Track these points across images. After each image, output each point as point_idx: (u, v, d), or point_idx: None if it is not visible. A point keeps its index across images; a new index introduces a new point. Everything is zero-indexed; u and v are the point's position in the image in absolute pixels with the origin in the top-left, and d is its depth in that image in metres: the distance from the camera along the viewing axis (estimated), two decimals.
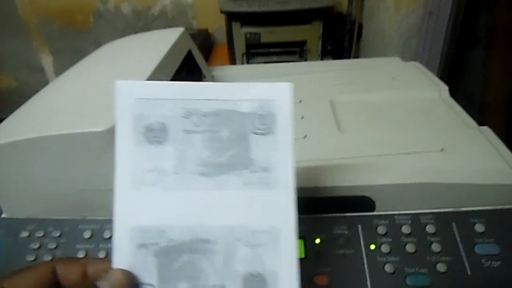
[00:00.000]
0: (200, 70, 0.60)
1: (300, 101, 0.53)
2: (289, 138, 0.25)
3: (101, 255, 0.36)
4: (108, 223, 0.38)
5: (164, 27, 0.59)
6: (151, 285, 0.23)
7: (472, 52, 1.56)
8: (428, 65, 1.45)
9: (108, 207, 0.37)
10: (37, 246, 0.37)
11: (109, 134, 0.33)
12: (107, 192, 0.36)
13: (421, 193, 0.35)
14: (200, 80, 0.61)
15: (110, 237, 0.37)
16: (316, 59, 1.64)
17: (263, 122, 0.24)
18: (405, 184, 0.35)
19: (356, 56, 1.81)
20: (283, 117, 0.25)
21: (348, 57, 1.76)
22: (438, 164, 0.38)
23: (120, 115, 0.25)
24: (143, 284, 0.23)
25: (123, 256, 0.24)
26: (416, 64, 0.60)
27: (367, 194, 0.36)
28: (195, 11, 1.92)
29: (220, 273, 0.23)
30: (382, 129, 0.45)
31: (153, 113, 0.24)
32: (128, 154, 0.24)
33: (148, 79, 0.41)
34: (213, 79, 0.61)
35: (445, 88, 0.52)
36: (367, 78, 0.57)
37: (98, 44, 0.62)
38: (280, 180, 0.24)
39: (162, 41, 0.51)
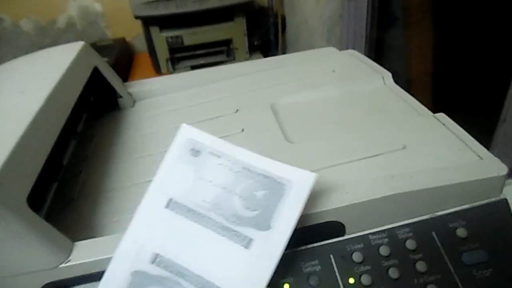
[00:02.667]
0: (113, 89, 0.50)
1: (237, 111, 0.46)
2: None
3: None
4: None
5: (75, 41, 0.48)
6: None
7: (391, 32, 1.61)
8: (355, 49, 1.47)
9: None
10: None
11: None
12: (3, 280, 0.27)
13: (394, 205, 0.30)
14: (115, 100, 0.51)
15: None
16: (244, 56, 1.58)
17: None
18: (376, 199, 0.29)
19: (284, 48, 1.79)
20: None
21: (276, 50, 1.73)
22: (404, 167, 0.33)
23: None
24: None
25: None
26: (352, 52, 0.56)
27: (335, 218, 0.30)
28: (107, 19, 1.76)
29: None
30: (334, 133, 0.40)
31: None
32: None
33: (39, 114, 0.31)
34: (131, 96, 0.52)
35: (388, 75, 0.48)
36: (306, 74, 0.51)
37: None
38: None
39: (57, 62, 0.41)
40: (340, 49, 0.65)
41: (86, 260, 0.27)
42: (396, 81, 0.47)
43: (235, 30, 1.58)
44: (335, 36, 1.46)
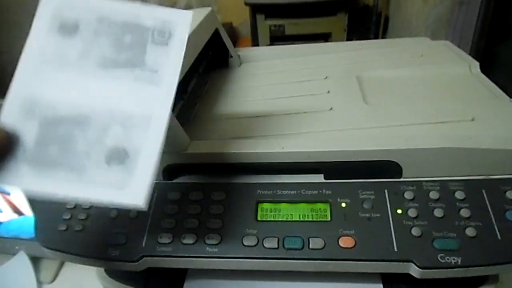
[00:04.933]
0: (226, 49, 0.61)
1: (326, 78, 0.53)
2: (181, 52, 0.29)
3: (133, 215, 0.37)
4: None
5: None
6: (26, 147, 0.27)
7: (504, 44, 1.50)
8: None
9: None
10: None
11: None
12: None
13: (450, 159, 0.35)
14: (226, 59, 0.62)
15: None
16: None
17: (162, 35, 0.30)
18: (433, 149, 0.34)
19: None
20: (179, 35, 0.30)
21: None
22: (468, 132, 0.37)
23: (42, 4, 0.29)
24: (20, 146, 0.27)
25: (10, 118, 0.28)
26: (446, 42, 0.59)
27: (394, 159, 0.35)
28: (219, 5, 1.94)
29: (90, 142, 0.28)
30: (409, 102, 0.45)
31: (71, 11, 0.30)
32: (40, 39, 0.29)
33: None
34: (239, 57, 0.62)
35: (475, 64, 0.51)
36: (395, 55, 0.56)
37: None
38: (164, 81, 0.29)
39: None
40: None
41: (199, 151, 0.37)
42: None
43: (336, 25, 1.63)
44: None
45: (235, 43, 2.01)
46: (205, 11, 0.57)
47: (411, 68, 0.52)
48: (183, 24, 0.30)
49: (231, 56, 0.61)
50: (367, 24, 1.73)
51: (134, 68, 0.29)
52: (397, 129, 0.39)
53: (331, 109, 0.45)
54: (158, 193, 0.38)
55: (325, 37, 1.67)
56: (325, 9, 1.59)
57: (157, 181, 0.39)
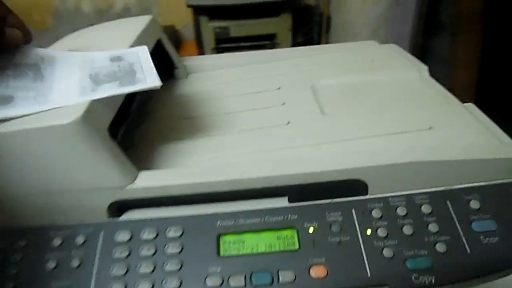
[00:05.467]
0: (171, 61, 0.56)
1: (279, 88, 0.51)
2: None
3: (75, 263, 0.32)
4: (80, 227, 0.34)
5: None
6: None
7: (438, 40, 1.59)
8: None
9: (80, 210, 0.34)
10: None
11: (76, 127, 0.29)
12: (79, 193, 0.33)
13: (414, 172, 0.34)
14: (172, 70, 0.57)
15: (84, 243, 0.33)
16: None
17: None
18: (398, 164, 0.33)
19: None
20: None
21: None
22: (428, 142, 0.37)
23: None
24: None
25: None
26: (393, 46, 0.60)
27: (359, 177, 0.34)
28: (160, 7, 1.86)
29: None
30: (366, 111, 0.44)
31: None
32: None
33: None
34: (185, 68, 0.58)
35: (424, 68, 0.51)
36: (346, 61, 0.55)
37: None
38: None
39: (130, 29, 0.47)
40: None
41: (148, 185, 0.33)
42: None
43: (280, 26, 1.62)
44: (379, 39, 1.47)
45: (179, 47, 1.94)
46: (146, 19, 0.52)
47: (363, 75, 0.51)
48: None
49: (177, 67, 0.57)
50: (310, 24, 1.75)
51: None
52: (358, 143, 0.38)
53: (288, 123, 0.43)
54: (103, 235, 0.34)
55: (270, 38, 1.66)
56: (269, 10, 1.58)
57: (100, 222, 0.34)
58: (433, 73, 0.50)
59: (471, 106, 0.42)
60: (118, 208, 0.34)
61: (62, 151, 0.30)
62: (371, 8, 1.44)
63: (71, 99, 0.31)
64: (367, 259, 0.31)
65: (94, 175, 0.32)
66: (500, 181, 0.35)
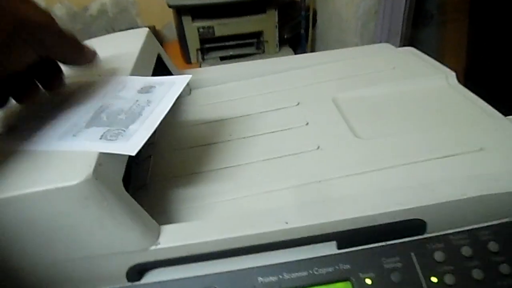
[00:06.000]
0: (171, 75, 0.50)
1: (298, 104, 0.46)
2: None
3: None
4: None
5: (105, 28, 0.49)
6: None
7: (426, 30, 1.58)
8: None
9: (93, 277, 0.28)
10: None
11: (87, 187, 0.24)
12: (94, 260, 0.27)
13: (478, 206, 0.30)
14: None
15: None
16: (274, 49, 1.58)
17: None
18: (461, 200, 0.29)
19: (313, 42, 1.77)
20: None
21: (306, 44, 1.72)
22: (485, 168, 0.33)
23: None
24: None
25: None
26: (411, 49, 0.55)
27: (418, 216, 0.29)
28: (138, 7, 1.77)
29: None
30: (403, 131, 0.39)
31: None
32: None
33: None
34: (188, 85, 0.52)
35: (452, 75, 0.47)
36: (365, 69, 0.51)
37: None
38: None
39: (126, 48, 0.41)
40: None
41: (175, 244, 0.28)
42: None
43: (266, 23, 1.57)
44: (368, 32, 1.44)
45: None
46: (142, 34, 0.46)
47: (388, 85, 0.47)
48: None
49: None
50: (297, 19, 1.70)
51: None
52: (404, 171, 0.34)
53: (318, 148, 0.38)
54: None
55: (256, 36, 1.61)
56: (254, 7, 1.52)
57: (120, 287, 0.28)
58: None
59: None
60: (140, 271, 0.29)
61: (71, 215, 0.24)
62: (361, 1, 1.40)
63: (47, 143, 0.26)
64: None
65: (111, 239, 0.26)
66: None
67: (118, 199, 0.25)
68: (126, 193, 0.27)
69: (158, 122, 0.28)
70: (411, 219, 0.29)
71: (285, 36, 1.70)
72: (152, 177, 0.38)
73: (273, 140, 0.41)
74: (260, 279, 0.29)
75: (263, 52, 1.59)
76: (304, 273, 0.29)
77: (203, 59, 1.56)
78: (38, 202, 0.23)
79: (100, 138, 0.26)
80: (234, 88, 0.51)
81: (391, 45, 0.58)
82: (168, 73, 0.50)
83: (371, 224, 0.29)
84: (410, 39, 1.50)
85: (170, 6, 1.45)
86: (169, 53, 1.77)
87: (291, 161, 0.37)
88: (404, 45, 1.52)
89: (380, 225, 0.29)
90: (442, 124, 0.39)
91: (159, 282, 0.29)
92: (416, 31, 1.56)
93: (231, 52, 1.58)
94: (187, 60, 1.56)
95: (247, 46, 1.62)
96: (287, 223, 0.28)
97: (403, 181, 0.32)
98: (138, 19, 1.81)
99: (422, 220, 0.30)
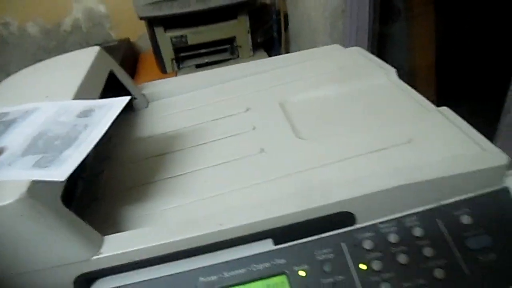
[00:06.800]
0: (128, 92, 0.52)
1: (247, 110, 0.48)
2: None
3: None
4: None
5: (80, 43, 0.50)
6: None
7: (395, 26, 1.61)
8: (357, 43, 1.48)
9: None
10: None
11: (21, 206, 0.25)
12: (39, 273, 0.29)
13: (401, 195, 0.32)
14: (131, 102, 0.53)
15: None
16: (248, 54, 1.60)
17: None
18: (384, 190, 0.31)
19: (287, 44, 1.80)
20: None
21: (279, 47, 1.74)
22: (410, 159, 0.35)
23: None
24: None
25: None
26: (357, 49, 0.58)
27: (346, 208, 0.31)
28: (112, 21, 1.78)
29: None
30: (341, 129, 0.41)
31: None
32: None
33: None
34: (145, 97, 0.54)
35: (392, 71, 0.50)
36: (313, 72, 0.53)
37: (6, 73, 0.52)
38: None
39: (75, 67, 0.43)
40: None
41: (116, 252, 0.29)
42: (400, 75, 0.49)
43: (239, 28, 1.59)
44: (338, 31, 1.47)
45: (137, 60, 1.87)
46: (93, 52, 0.47)
47: (332, 85, 0.49)
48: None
49: (135, 98, 0.53)
50: (269, 22, 1.73)
51: None
52: (337, 168, 0.36)
53: (262, 150, 0.40)
54: None
55: (230, 41, 1.63)
56: (225, 14, 1.54)
57: None
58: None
59: (446, 110, 0.41)
60: (86, 280, 0.31)
61: (10, 233, 0.26)
62: (327, 2, 1.43)
63: None
64: None
65: (53, 253, 0.28)
66: (486, 190, 0.34)
67: (55, 214, 0.27)
68: (65, 208, 0.28)
69: (91, 146, 0.30)
70: (340, 212, 0.32)
71: (259, 40, 1.73)
72: (105, 190, 0.39)
73: (221, 147, 0.43)
74: (201, 279, 0.31)
75: (238, 57, 1.61)
76: (243, 270, 0.31)
77: (178, 68, 1.58)
78: None
79: (33, 166, 0.28)
80: (189, 99, 0.53)
81: (340, 46, 0.60)
82: (123, 88, 0.52)
83: (302, 219, 0.31)
84: (379, 35, 1.54)
85: (141, 18, 1.46)
86: (145, 64, 1.78)
87: (236, 165, 0.39)
88: (373, 43, 1.55)
89: (311, 219, 0.31)
90: (378, 120, 0.42)
91: None
92: (385, 28, 1.59)
93: (206, 60, 1.60)
94: (163, 70, 1.57)
95: (222, 52, 1.64)
96: (221, 225, 0.30)
97: (335, 177, 0.34)
98: (112, 33, 1.82)
99: (350, 212, 0.32)
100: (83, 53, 0.48)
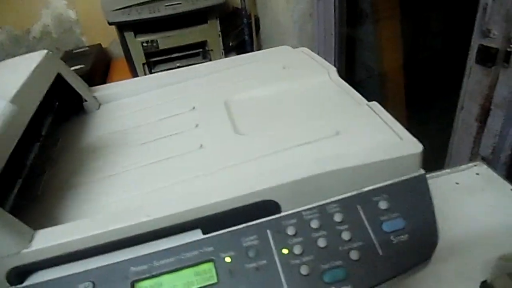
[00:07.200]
0: (78, 94, 0.53)
1: (193, 108, 0.50)
2: None
3: None
4: None
5: (50, 49, 0.51)
6: None
7: (362, 29, 1.66)
8: (325, 46, 1.51)
9: None
10: None
11: None
12: None
13: (322, 183, 0.34)
14: (81, 104, 0.54)
15: None
16: (220, 57, 1.62)
17: None
18: (304, 179, 0.33)
19: (259, 47, 1.82)
20: None
21: (252, 50, 1.77)
22: (335, 149, 0.37)
23: None
24: None
25: None
26: (304, 49, 0.60)
27: (269, 197, 0.33)
28: (82, 26, 1.78)
29: None
30: (278, 125, 0.43)
31: None
32: None
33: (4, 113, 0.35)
34: (96, 100, 0.55)
35: (333, 70, 0.52)
36: (259, 71, 0.55)
37: None
38: None
39: (18, 71, 0.44)
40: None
41: (46, 245, 0.30)
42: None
43: (209, 32, 1.61)
44: (306, 34, 1.51)
45: (108, 66, 1.86)
46: (40, 55, 0.48)
47: (275, 84, 0.51)
48: None
49: (86, 100, 0.54)
50: (240, 26, 1.75)
51: None
52: (268, 160, 0.38)
53: (201, 146, 0.42)
54: None
55: (201, 45, 1.65)
56: (196, 18, 1.56)
57: None
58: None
59: (374, 104, 0.43)
60: (19, 274, 0.31)
61: None
62: (295, 6, 1.47)
63: None
64: (285, 280, 0.31)
65: None
66: (404, 177, 0.36)
67: None
68: None
69: None
70: (264, 200, 0.33)
71: (231, 44, 1.75)
72: (45, 190, 0.40)
73: (164, 145, 0.44)
74: (132, 268, 0.32)
75: (210, 60, 1.63)
76: (172, 259, 0.32)
77: (150, 72, 1.59)
78: None
79: None
80: (140, 100, 0.55)
81: (289, 47, 0.62)
82: (73, 91, 0.53)
83: (228, 208, 0.33)
84: (348, 38, 1.58)
85: (110, 23, 1.46)
86: (117, 69, 1.78)
87: (175, 161, 0.41)
88: (340, 45, 1.58)
89: (237, 208, 0.33)
90: (313, 115, 0.44)
91: (39, 283, 0.32)
92: (354, 31, 1.64)
93: (178, 64, 1.61)
94: (135, 75, 1.58)
95: (194, 56, 1.66)
96: (148, 215, 0.32)
97: (262, 169, 0.36)
98: (83, 38, 1.81)
99: (274, 200, 0.34)
100: (31, 56, 0.48)
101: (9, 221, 0.30)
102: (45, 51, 0.50)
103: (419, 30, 1.70)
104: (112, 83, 0.60)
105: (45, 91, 0.45)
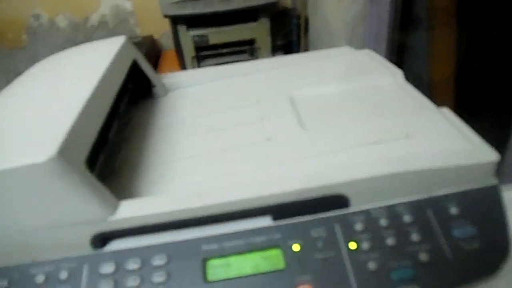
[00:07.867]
0: (149, 80, 0.56)
1: (258, 102, 0.51)
2: None
3: None
4: (64, 262, 0.33)
5: (106, 38, 0.55)
6: None
7: (415, 34, 1.62)
8: (376, 50, 1.49)
9: (62, 244, 0.33)
10: None
11: (52, 165, 0.29)
12: (59, 229, 0.32)
13: (394, 183, 0.35)
14: (150, 90, 0.57)
15: (68, 278, 0.33)
16: (267, 56, 1.63)
17: None
18: (377, 177, 0.34)
19: (306, 49, 1.82)
20: None
21: (298, 50, 1.77)
22: (406, 151, 0.37)
23: None
24: None
25: None
26: (368, 51, 0.60)
27: (341, 191, 0.34)
28: (137, 18, 1.85)
29: None
30: (344, 122, 0.44)
31: None
32: None
33: (92, 96, 0.37)
34: (164, 86, 0.58)
35: (399, 73, 0.52)
36: (322, 70, 0.56)
37: (35, 61, 0.57)
38: None
39: (103, 53, 0.47)
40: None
41: (130, 215, 0.33)
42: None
43: (259, 30, 1.63)
44: (357, 37, 1.49)
45: (159, 57, 1.92)
46: (119, 42, 0.51)
47: (339, 84, 0.52)
48: None
49: (155, 86, 0.57)
50: (289, 26, 1.76)
51: None
52: (337, 156, 0.38)
53: (268, 139, 0.43)
54: (87, 268, 0.33)
55: (250, 43, 1.66)
56: (247, 16, 1.58)
57: (84, 255, 0.34)
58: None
59: (445, 111, 0.43)
60: (102, 239, 0.34)
61: (37, 189, 0.30)
62: (347, 8, 1.45)
63: None
64: (353, 274, 0.32)
65: (73, 210, 0.31)
66: (477, 186, 0.36)
67: (80, 176, 0.31)
68: (87, 171, 0.32)
69: None
70: (335, 194, 0.34)
71: (278, 43, 1.76)
72: (122, 166, 0.43)
73: (231, 134, 0.46)
74: (204, 246, 0.34)
75: (257, 58, 1.65)
76: (242, 242, 0.34)
77: (199, 66, 1.62)
78: (4, 178, 0.29)
79: None
80: (204, 90, 0.57)
81: (351, 48, 0.63)
82: (146, 78, 0.56)
83: (299, 199, 0.34)
84: (398, 44, 1.55)
85: (165, 16, 1.51)
86: (167, 61, 1.84)
87: (243, 150, 0.42)
88: (391, 50, 1.55)
89: (308, 199, 0.34)
90: (380, 116, 0.44)
91: (119, 251, 0.34)
92: (406, 36, 1.60)
93: (226, 59, 1.64)
94: (184, 68, 1.62)
95: (241, 53, 1.68)
96: (225, 196, 0.33)
97: (336, 164, 0.37)
98: (137, 29, 1.88)
99: (344, 195, 0.34)
100: (111, 41, 0.52)
101: (100, 189, 0.32)
102: (124, 37, 0.53)
103: (475, 39, 1.64)
104: (178, 72, 0.62)
105: (124, 75, 0.48)
